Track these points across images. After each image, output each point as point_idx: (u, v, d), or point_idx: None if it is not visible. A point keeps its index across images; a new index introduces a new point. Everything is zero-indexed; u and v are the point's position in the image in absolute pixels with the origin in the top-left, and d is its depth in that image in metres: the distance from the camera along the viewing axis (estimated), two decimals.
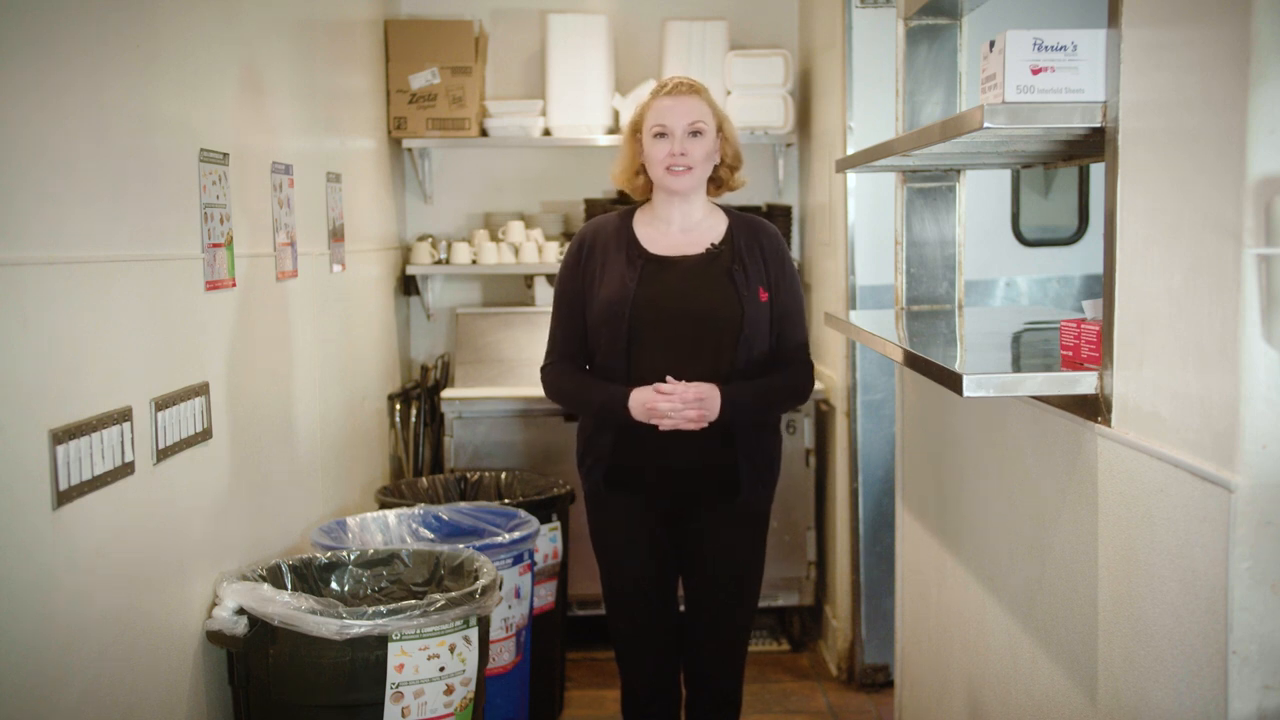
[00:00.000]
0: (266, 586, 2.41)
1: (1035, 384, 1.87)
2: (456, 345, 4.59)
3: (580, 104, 4.49)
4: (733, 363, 2.70)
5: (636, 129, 2.78)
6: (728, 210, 2.85)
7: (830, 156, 4.12)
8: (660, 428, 2.65)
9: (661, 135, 2.70)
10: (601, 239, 2.80)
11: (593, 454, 2.79)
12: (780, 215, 4.56)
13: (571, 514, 3.66)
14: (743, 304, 2.70)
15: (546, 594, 3.52)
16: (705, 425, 2.65)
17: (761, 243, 2.79)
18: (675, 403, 2.62)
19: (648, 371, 2.69)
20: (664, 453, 2.71)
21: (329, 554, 2.76)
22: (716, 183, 2.81)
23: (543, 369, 2.86)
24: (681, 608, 2.90)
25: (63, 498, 1.85)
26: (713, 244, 2.77)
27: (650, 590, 2.83)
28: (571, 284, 2.80)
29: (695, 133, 2.70)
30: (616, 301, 2.70)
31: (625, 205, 2.96)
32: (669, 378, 2.65)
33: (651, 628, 2.85)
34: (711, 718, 2.89)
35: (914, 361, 2.17)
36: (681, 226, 2.79)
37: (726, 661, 2.86)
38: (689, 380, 2.65)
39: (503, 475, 3.79)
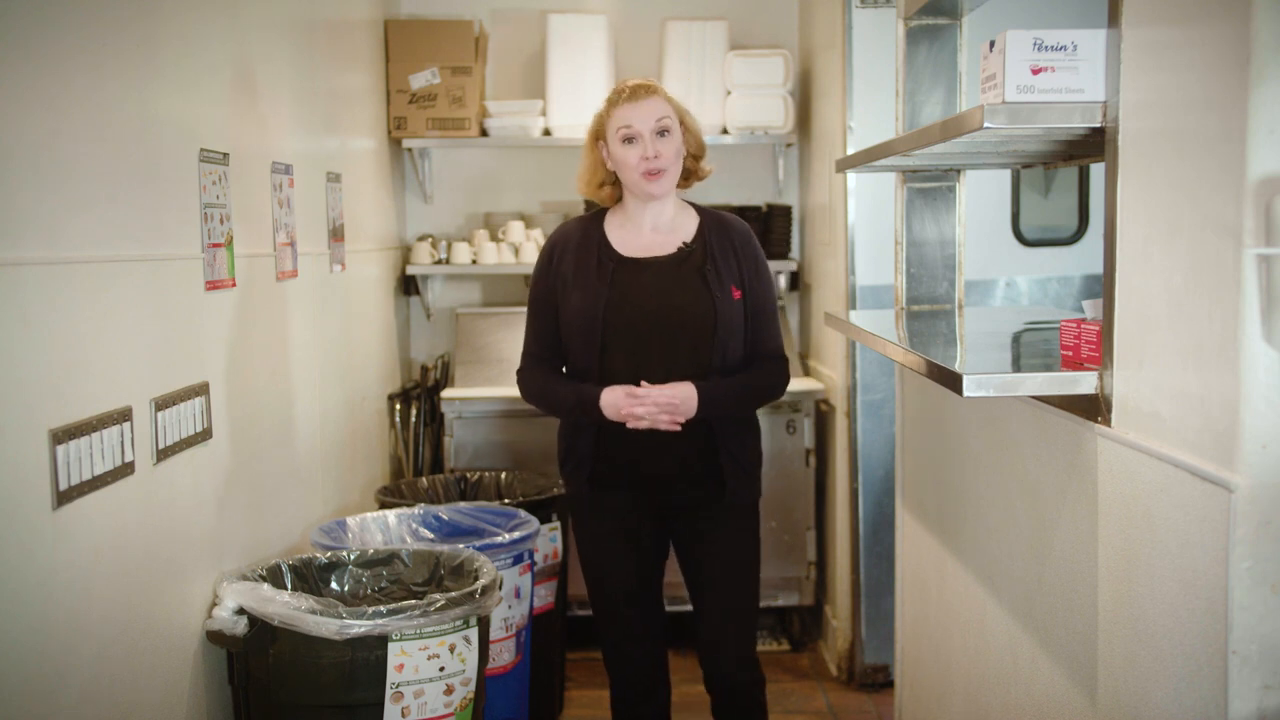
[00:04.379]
0: (266, 586, 2.41)
1: (1035, 384, 1.87)
2: (456, 345, 4.59)
3: (580, 104, 4.48)
4: (709, 362, 2.70)
5: (598, 137, 2.77)
6: (699, 208, 2.85)
7: (830, 156, 4.12)
8: (628, 425, 2.65)
9: (630, 140, 2.69)
10: (572, 243, 2.79)
11: (574, 457, 2.79)
12: (780, 215, 4.56)
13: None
14: (715, 303, 2.70)
15: (546, 594, 3.52)
16: (680, 427, 2.66)
17: (733, 240, 2.79)
18: (649, 406, 2.63)
19: (623, 374, 2.69)
20: (646, 452, 2.71)
21: (329, 554, 2.76)
22: (684, 174, 2.80)
23: (518, 372, 2.87)
24: (688, 607, 2.90)
25: (63, 498, 1.84)
26: (684, 243, 2.77)
27: (637, 590, 2.83)
28: (544, 289, 2.80)
29: (663, 131, 2.70)
30: (589, 306, 2.70)
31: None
32: (643, 381, 2.66)
33: (640, 627, 2.85)
34: (740, 695, 2.83)
35: (914, 361, 2.17)
36: (653, 226, 2.79)
37: (739, 632, 2.80)
38: (666, 381, 2.66)
39: (503, 475, 3.79)
